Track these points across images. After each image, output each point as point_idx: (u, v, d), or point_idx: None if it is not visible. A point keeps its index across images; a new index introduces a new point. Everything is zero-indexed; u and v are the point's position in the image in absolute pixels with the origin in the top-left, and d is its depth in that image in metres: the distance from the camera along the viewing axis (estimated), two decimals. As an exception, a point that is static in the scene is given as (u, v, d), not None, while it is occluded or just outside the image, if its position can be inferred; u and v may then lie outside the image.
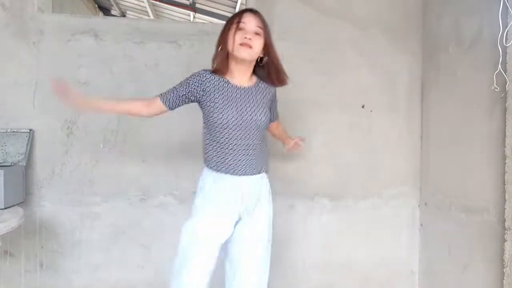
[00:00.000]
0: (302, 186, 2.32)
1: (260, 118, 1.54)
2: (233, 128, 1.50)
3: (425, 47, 2.38)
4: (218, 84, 1.53)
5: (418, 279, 2.43)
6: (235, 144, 1.51)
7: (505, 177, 1.67)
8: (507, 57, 1.66)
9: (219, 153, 1.52)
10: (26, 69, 2.08)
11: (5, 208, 1.80)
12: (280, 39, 2.29)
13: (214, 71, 1.55)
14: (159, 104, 1.57)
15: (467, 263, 1.96)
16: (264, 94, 1.59)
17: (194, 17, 6.39)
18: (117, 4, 6.60)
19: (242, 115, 1.50)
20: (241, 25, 1.48)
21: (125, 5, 6.83)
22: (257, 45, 1.49)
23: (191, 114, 2.21)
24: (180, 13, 6.60)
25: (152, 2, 6.19)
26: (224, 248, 1.57)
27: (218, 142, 1.52)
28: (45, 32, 2.10)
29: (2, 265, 2.07)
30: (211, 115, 1.51)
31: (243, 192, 1.53)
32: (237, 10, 5.49)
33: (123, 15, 6.99)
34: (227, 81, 1.54)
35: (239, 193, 1.52)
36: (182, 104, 1.60)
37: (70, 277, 2.14)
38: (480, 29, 1.86)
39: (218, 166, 1.52)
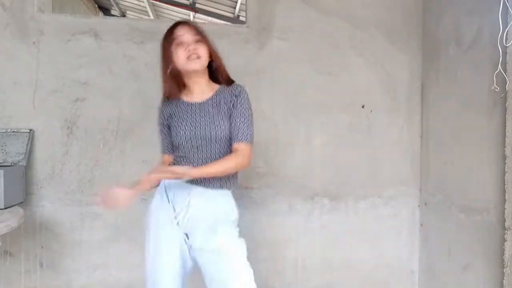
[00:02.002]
0: (302, 186, 2.32)
1: (215, 131, 1.47)
2: (186, 145, 1.49)
3: (425, 47, 2.38)
4: (172, 108, 1.56)
5: (418, 279, 2.43)
6: (191, 158, 1.48)
7: (505, 177, 1.67)
8: (507, 57, 1.65)
9: (184, 162, 1.50)
10: (26, 69, 2.08)
11: (5, 208, 1.80)
12: (280, 39, 2.31)
13: (168, 97, 1.57)
14: (166, 159, 1.64)
15: (467, 263, 1.96)
16: (221, 103, 1.51)
17: (194, 17, 6.39)
18: (117, 4, 6.60)
19: (195, 130, 1.47)
20: (179, 39, 1.47)
21: (125, 5, 6.83)
22: (204, 52, 1.47)
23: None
24: (180, 13, 6.59)
25: (152, 2, 6.19)
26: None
27: (177, 160, 1.54)
28: (45, 32, 2.10)
29: (2, 265, 2.07)
30: (172, 137, 1.56)
31: (190, 201, 1.46)
32: (237, 10, 5.49)
33: (123, 15, 6.99)
34: (181, 101, 1.54)
35: (185, 200, 1.46)
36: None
37: (70, 277, 2.14)
38: (480, 29, 1.86)
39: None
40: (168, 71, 1.51)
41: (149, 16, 6.63)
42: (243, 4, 4.08)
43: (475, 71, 1.89)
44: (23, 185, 2.01)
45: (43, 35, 2.10)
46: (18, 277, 2.09)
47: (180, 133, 1.50)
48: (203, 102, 1.52)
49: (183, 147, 1.51)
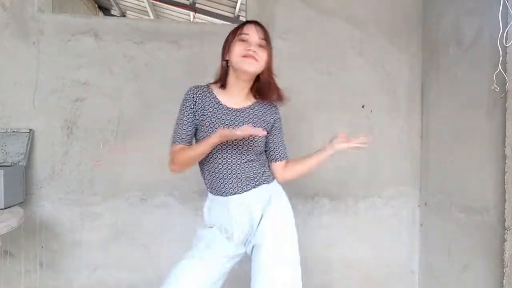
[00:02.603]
0: (302, 186, 2.31)
1: (249, 144, 1.43)
2: (218, 153, 1.42)
3: (425, 47, 2.38)
4: (208, 103, 1.44)
5: (418, 279, 2.43)
6: (222, 167, 1.43)
7: (505, 177, 1.67)
8: (507, 57, 1.66)
9: (209, 174, 1.46)
10: (26, 69, 2.08)
11: (5, 208, 1.80)
12: (280, 39, 2.30)
13: (215, 82, 1.49)
14: (177, 149, 1.45)
15: (467, 263, 1.96)
16: (260, 117, 1.48)
17: (194, 17, 6.39)
18: (117, 4, 6.59)
19: (240, 141, 1.41)
20: (244, 36, 1.41)
21: (125, 5, 6.82)
22: (263, 58, 1.41)
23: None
24: (180, 13, 6.59)
25: (152, 2, 6.19)
26: None
27: (207, 162, 1.45)
28: (45, 32, 2.10)
29: (2, 265, 2.07)
30: (198, 135, 1.45)
31: (234, 213, 1.43)
32: (237, 10, 5.49)
33: (123, 15, 6.98)
34: (218, 101, 1.45)
35: (231, 214, 1.43)
36: (194, 130, 1.48)
37: (70, 277, 2.14)
38: (480, 29, 1.86)
39: (211, 187, 1.47)
40: (222, 61, 1.45)
41: (149, 16, 6.62)
42: (243, 4, 4.08)
43: (475, 71, 1.89)
44: (23, 185, 2.01)
45: (43, 35, 2.10)
46: (18, 277, 2.09)
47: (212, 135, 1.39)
48: (242, 109, 1.46)
49: (212, 152, 1.41)
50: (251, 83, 1.47)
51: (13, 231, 1.69)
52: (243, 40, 1.41)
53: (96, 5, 6.59)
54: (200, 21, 6.05)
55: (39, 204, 2.10)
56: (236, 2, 5.31)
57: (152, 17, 6.63)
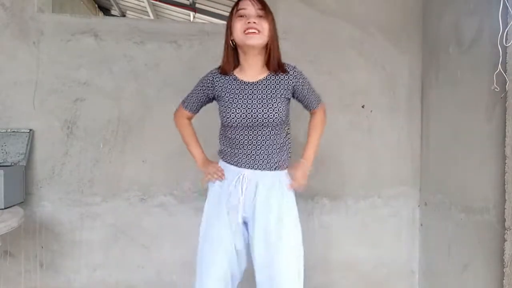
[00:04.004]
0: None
1: (269, 114, 1.44)
2: (240, 127, 1.46)
3: (425, 47, 2.38)
4: (226, 82, 1.50)
5: (418, 279, 2.43)
6: (244, 140, 1.48)
7: (505, 177, 1.67)
8: (507, 57, 1.65)
9: (228, 147, 1.53)
10: (26, 69, 2.08)
11: (5, 208, 1.80)
12: (280, 39, 2.29)
13: (221, 69, 1.52)
14: (183, 111, 1.64)
15: (467, 263, 1.96)
16: (278, 86, 1.48)
17: (194, 17, 6.39)
18: (117, 4, 6.59)
19: (249, 112, 1.44)
20: (241, 12, 1.41)
21: (125, 5, 6.82)
22: (265, 27, 1.41)
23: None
24: (180, 13, 6.59)
25: (152, 2, 6.19)
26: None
27: (228, 137, 1.52)
28: (45, 32, 2.10)
29: (2, 265, 2.07)
30: (220, 114, 1.52)
31: (246, 184, 1.47)
32: (237, 10, 5.48)
33: (123, 15, 6.99)
34: (235, 77, 1.49)
35: (242, 184, 1.47)
36: (203, 105, 1.62)
37: (70, 277, 2.14)
38: (480, 29, 1.86)
39: (227, 158, 1.54)
40: (226, 44, 1.47)
41: (149, 16, 6.63)
42: (243, 4, 4.07)
43: (475, 71, 1.89)
44: (23, 185, 2.01)
45: (43, 35, 2.10)
46: (18, 277, 2.09)
47: (231, 113, 1.44)
48: (257, 82, 1.47)
49: (233, 129, 1.47)
50: (263, 55, 1.47)
51: (13, 231, 1.69)
52: (241, 16, 1.41)
53: (96, 5, 6.59)
54: (200, 21, 6.05)
55: (39, 204, 2.10)
56: (236, 2, 5.30)
57: (152, 17, 6.63)
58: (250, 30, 1.38)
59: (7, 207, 1.82)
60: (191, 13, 6.27)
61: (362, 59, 2.36)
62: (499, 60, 1.67)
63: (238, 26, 1.40)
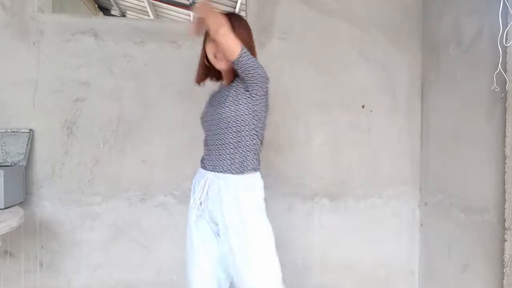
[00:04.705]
0: (302, 186, 2.32)
1: (222, 113, 1.45)
2: (205, 125, 1.57)
3: (425, 47, 2.38)
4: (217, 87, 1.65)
5: (418, 279, 2.43)
6: (208, 140, 1.54)
7: (505, 177, 1.67)
8: (507, 57, 1.65)
9: (203, 148, 1.59)
10: (26, 69, 2.08)
11: (5, 208, 1.80)
12: (280, 39, 2.31)
13: (196, 81, 1.65)
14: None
15: (467, 263, 1.96)
16: (233, 89, 1.48)
17: (194, 17, 6.38)
18: (117, 4, 6.59)
19: (210, 112, 1.54)
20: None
21: (125, 5, 6.82)
22: (213, 51, 1.48)
23: (191, 113, 2.21)
24: (180, 13, 6.59)
25: (152, 2, 6.19)
26: None
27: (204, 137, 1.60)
28: (45, 32, 2.10)
29: (2, 265, 2.07)
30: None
31: (207, 187, 1.48)
32: (237, 10, 5.48)
33: (123, 15, 6.98)
34: (221, 82, 1.63)
35: (205, 187, 1.48)
36: None
37: (70, 277, 2.14)
38: (480, 29, 1.86)
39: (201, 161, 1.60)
40: (200, 60, 1.57)
41: (149, 16, 6.62)
42: (243, 4, 4.08)
43: (475, 71, 1.89)
44: (23, 185, 2.01)
45: (43, 35, 2.10)
46: (18, 277, 2.09)
47: (202, 117, 1.60)
48: (226, 87, 1.55)
49: (204, 128, 1.60)
50: (229, 71, 1.51)
51: (13, 231, 1.69)
52: (210, 39, 1.46)
53: (96, 5, 6.59)
54: (200, 21, 6.03)
55: (39, 204, 2.10)
56: (236, 2, 5.31)
57: (152, 17, 6.63)
58: (218, 55, 1.46)
59: (7, 207, 1.82)
60: (191, 13, 6.27)
61: (362, 59, 2.36)
62: (499, 60, 1.68)
63: (209, 50, 1.49)
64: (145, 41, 2.18)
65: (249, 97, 1.44)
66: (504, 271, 1.68)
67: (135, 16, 7.01)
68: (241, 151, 1.47)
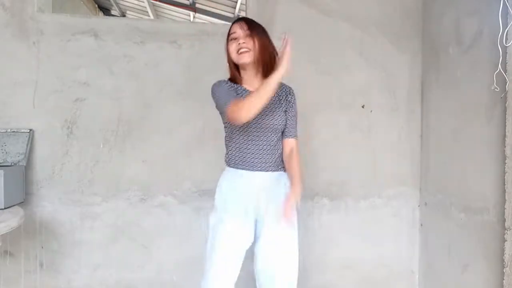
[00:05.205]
0: (302, 186, 2.31)
1: (275, 121, 1.60)
2: (251, 132, 1.57)
3: (425, 47, 2.38)
4: (239, 89, 1.61)
5: (418, 279, 2.43)
6: (253, 145, 1.58)
7: (505, 177, 1.67)
8: (507, 57, 1.66)
9: (238, 152, 1.59)
10: (26, 69, 2.08)
11: (5, 208, 1.80)
12: (280, 39, 2.30)
13: (232, 80, 1.65)
14: (235, 102, 1.50)
15: (467, 263, 1.96)
16: (278, 97, 1.64)
17: (194, 17, 6.39)
18: (117, 4, 6.59)
19: (260, 119, 1.56)
20: (233, 35, 1.58)
21: (125, 5, 6.82)
22: (254, 45, 1.56)
23: (191, 113, 2.21)
24: (180, 13, 6.59)
25: (152, 2, 6.19)
26: (253, 255, 1.60)
27: (238, 143, 1.59)
28: (45, 32, 2.10)
29: (2, 265, 2.07)
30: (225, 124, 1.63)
31: (258, 187, 1.58)
32: (237, 10, 5.49)
33: (123, 15, 6.99)
34: (244, 88, 1.62)
35: (255, 187, 1.57)
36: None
37: (70, 277, 2.14)
38: (480, 29, 1.86)
39: (237, 164, 1.59)
40: (228, 63, 1.63)
41: (149, 16, 6.62)
42: (243, 4, 4.08)
43: (475, 71, 1.89)
44: (23, 185, 2.01)
45: (43, 35, 2.10)
46: (18, 277, 2.09)
47: (238, 126, 1.56)
48: None
49: (239, 137, 1.59)
50: (259, 70, 1.61)
51: (13, 231, 1.69)
52: (233, 39, 1.58)
53: (96, 5, 6.59)
54: (200, 21, 6.05)
55: (39, 204, 2.10)
56: (236, 2, 5.31)
57: (152, 17, 6.63)
58: (241, 50, 1.56)
59: (7, 207, 1.82)
60: (191, 13, 6.27)
61: (362, 59, 2.36)
62: (499, 60, 1.68)
63: (232, 48, 1.58)
64: (145, 41, 2.18)
65: (286, 107, 1.67)
66: (504, 271, 1.68)
67: (135, 16, 7.01)
68: (281, 149, 1.67)
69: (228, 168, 1.63)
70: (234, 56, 1.58)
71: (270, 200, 1.58)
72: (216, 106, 1.59)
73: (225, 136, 1.66)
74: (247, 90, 1.61)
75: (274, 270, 1.56)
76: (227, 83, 1.62)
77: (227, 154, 1.64)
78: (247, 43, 1.56)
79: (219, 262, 1.54)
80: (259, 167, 1.58)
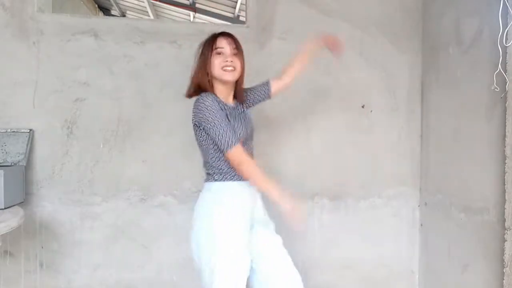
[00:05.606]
0: (302, 186, 2.31)
1: (253, 129, 1.68)
2: (245, 141, 1.59)
3: (425, 47, 2.38)
4: (223, 105, 1.57)
5: (418, 279, 2.43)
6: (247, 153, 1.57)
7: (505, 177, 1.67)
8: (507, 57, 1.66)
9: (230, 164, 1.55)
10: (26, 69, 2.08)
11: (5, 208, 1.80)
12: (280, 39, 2.31)
13: (189, 95, 1.65)
14: (241, 149, 1.52)
15: (467, 263, 1.96)
16: (239, 106, 1.68)
17: (194, 17, 6.39)
18: (117, 4, 6.60)
19: (247, 129, 1.60)
20: (219, 50, 1.57)
21: (125, 5, 6.83)
22: (239, 65, 1.58)
23: (190, 113, 2.21)
24: (180, 13, 6.60)
25: (152, 2, 6.19)
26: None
27: (227, 162, 1.55)
28: (45, 32, 2.10)
29: (2, 265, 2.07)
30: (224, 134, 1.53)
31: (256, 196, 1.62)
32: (237, 10, 5.49)
33: (123, 15, 6.99)
34: (225, 103, 1.58)
35: (254, 197, 1.61)
36: None
37: (70, 277, 2.14)
38: (480, 29, 1.86)
39: (237, 176, 1.55)
40: (200, 74, 1.59)
41: (149, 16, 6.63)
42: (243, 4, 4.08)
43: (475, 71, 1.89)
44: (23, 185, 2.01)
45: (43, 35, 2.10)
46: (18, 277, 2.09)
47: (239, 130, 1.56)
48: (235, 106, 1.65)
49: (245, 141, 1.60)
50: (233, 87, 1.64)
51: (13, 231, 1.69)
52: (219, 53, 1.57)
53: (96, 5, 6.59)
54: (200, 21, 6.05)
55: (39, 204, 2.10)
56: (236, 2, 5.31)
57: (152, 17, 6.63)
58: (227, 68, 1.55)
59: (7, 207, 1.82)
60: (191, 13, 6.27)
61: (362, 59, 2.36)
62: (499, 60, 1.68)
63: (216, 63, 1.56)
64: (145, 41, 2.18)
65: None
66: (504, 271, 1.68)
67: (135, 16, 7.01)
68: None
69: (224, 183, 1.55)
70: (217, 70, 1.55)
71: (260, 208, 1.65)
72: (208, 132, 1.50)
73: (212, 153, 1.55)
74: (228, 105, 1.58)
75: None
76: (216, 100, 1.53)
77: (219, 169, 1.55)
78: (234, 62, 1.56)
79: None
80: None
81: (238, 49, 1.60)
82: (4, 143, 2.03)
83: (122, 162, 2.17)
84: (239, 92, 1.65)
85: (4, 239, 1.93)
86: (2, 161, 2.00)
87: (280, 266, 1.61)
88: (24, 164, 2.01)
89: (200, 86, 1.59)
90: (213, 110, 1.49)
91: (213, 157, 1.55)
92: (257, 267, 1.58)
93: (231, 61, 1.56)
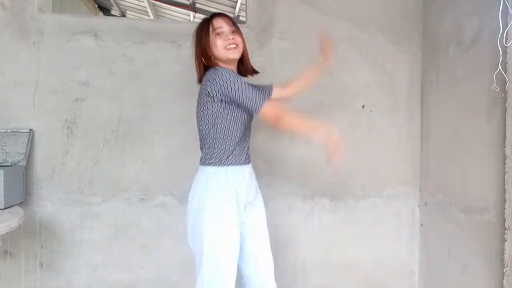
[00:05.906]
0: (302, 186, 2.32)
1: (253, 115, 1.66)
2: (246, 122, 1.60)
3: (425, 47, 2.38)
4: None
5: (418, 279, 2.43)
6: (244, 136, 1.61)
7: (505, 177, 1.67)
8: (507, 57, 1.65)
9: (230, 147, 1.55)
10: (26, 69, 2.08)
11: (5, 208, 1.80)
12: (280, 39, 2.31)
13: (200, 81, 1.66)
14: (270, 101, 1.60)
15: (467, 263, 1.96)
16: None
17: (194, 17, 6.39)
18: (117, 4, 6.59)
19: (248, 114, 1.61)
20: (218, 30, 1.58)
21: (125, 5, 6.83)
22: (240, 41, 1.61)
23: (191, 113, 2.21)
24: (180, 13, 6.60)
25: (152, 2, 6.19)
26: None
27: (237, 137, 1.56)
28: (45, 32, 2.10)
29: (2, 265, 2.07)
30: (236, 111, 1.54)
31: (249, 179, 1.63)
32: (237, 10, 5.50)
33: (123, 15, 6.99)
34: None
35: (248, 181, 1.61)
36: None
37: (70, 277, 2.14)
38: (480, 29, 1.86)
39: (236, 160, 1.57)
40: (205, 58, 1.60)
41: (149, 16, 6.63)
42: (243, 4, 4.08)
43: (475, 71, 1.89)
44: (23, 185, 2.01)
45: (43, 35, 2.10)
46: (18, 277, 2.09)
47: (241, 117, 1.56)
48: None
49: (241, 131, 1.58)
50: (236, 64, 1.68)
51: (13, 231, 1.69)
52: (219, 34, 1.58)
53: (96, 5, 6.59)
54: (200, 21, 6.04)
55: (39, 204, 2.10)
56: (236, 2, 5.31)
57: (152, 17, 6.63)
58: (231, 46, 1.57)
59: (7, 207, 1.82)
60: (191, 13, 6.27)
61: (362, 59, 2.36)
62: (499, 60, 1.68)
63: (219, 43, 1.57)
64: (145, 41, 2.18)
65: None
66: (504, 271, 1.68)
67: (135, 16, 7.01)
68: None
69: (218, 168, 1.54)
70: (221, 51, 1.57)
71: (253, 190, 1.67)
72: (231, 97, 1.48)
73: (214, 135, 1.54)
74: None
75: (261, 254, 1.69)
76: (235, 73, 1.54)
77: (217, 152, 1.54)
78: (236, 39, 1.59)
79: (233, 274, 1.54)
80: (249, 158, 1.65)
81: (235, 26, 1.62)
82: (4, 143, 2.03)
83: (122, 162, 2.17)
84: (246, 65, 1.68)
85: (4, 239, 1.93)
86: (2, 161, 2.00)
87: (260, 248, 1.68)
88: (24, 164, 2.01)
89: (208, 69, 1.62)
90: (235, 75, 1.50)
91: (214, 140, 1.55)
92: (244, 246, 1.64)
93: (233, 39, 1.58)
